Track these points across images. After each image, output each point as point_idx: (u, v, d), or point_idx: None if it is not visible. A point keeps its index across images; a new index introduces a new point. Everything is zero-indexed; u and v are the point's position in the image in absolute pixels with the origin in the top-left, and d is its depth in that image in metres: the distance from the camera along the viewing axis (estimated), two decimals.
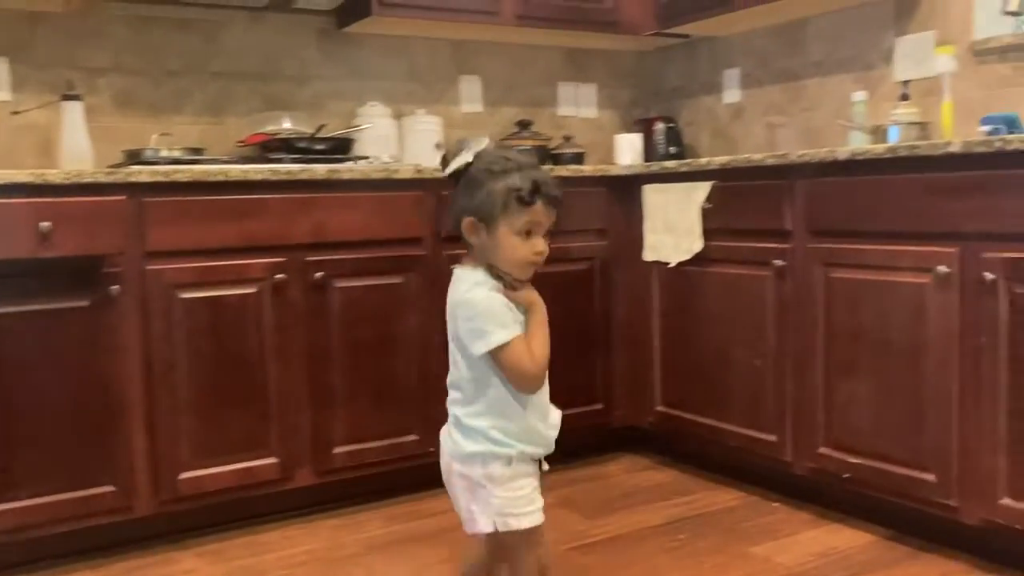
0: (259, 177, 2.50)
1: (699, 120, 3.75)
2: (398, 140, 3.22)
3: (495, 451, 1.52)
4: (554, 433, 1.60)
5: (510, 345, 1.49)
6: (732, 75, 3.58)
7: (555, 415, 1.61)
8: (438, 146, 3.22)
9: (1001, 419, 2.09)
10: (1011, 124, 2.40)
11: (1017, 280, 2.04)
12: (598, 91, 3.82)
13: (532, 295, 1.56)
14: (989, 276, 2.08)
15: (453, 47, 3.48)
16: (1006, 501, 2.09)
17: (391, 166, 2.75)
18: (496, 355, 1.49)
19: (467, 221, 1.51)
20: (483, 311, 1.49)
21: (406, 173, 2.70)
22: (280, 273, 2.53)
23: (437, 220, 2.75)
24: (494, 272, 1.52)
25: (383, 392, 2.70)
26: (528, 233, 1.49)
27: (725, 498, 2.70)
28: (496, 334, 1.48)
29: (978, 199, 2.10)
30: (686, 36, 3.64)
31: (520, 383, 1.51)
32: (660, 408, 3.06)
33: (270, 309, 2.53)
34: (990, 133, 2.34)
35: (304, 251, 2.57)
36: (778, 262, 2.60)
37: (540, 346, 1.53)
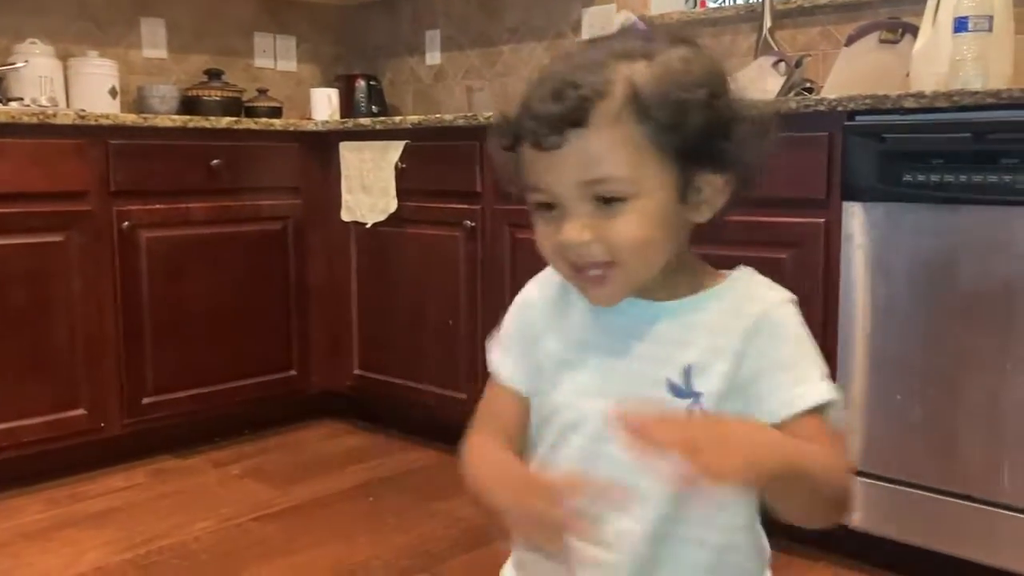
0: None
1: (402, 80, 3.71)
2: (64, 84, 2.89)
3: None
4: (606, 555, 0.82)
5: (488, 382, 0.94)
6: (434, 37, 3.56)
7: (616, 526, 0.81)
8: (113, 92, 2.94)
9: None
10: None
11: None
12: (298, 44, 3.66)
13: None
14: None
15: None
16: None
17: (48, 110, 2.46)
18: None
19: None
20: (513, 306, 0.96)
21: (66, 119, 2.42)
22: None
23: (107, 172, 2.50)
24: None
25: (41, 363, 2.42)
26: (545, 206, 0.82)
27: (418, 457, 2.71)
28: (491, 349, 0.95)
29: None
30: None
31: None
32: (358, 372, 3.00)
33: None
34: None
35: None
36: (469, 223, 2.62)
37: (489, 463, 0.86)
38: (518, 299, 0.95)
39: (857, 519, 1.93)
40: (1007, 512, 1.74)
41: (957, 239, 1.77)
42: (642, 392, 0.82)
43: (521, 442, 0.91)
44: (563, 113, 0.76)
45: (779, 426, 0.78)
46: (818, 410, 0.79)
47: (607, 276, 0.81)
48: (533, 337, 0.90)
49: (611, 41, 0.83)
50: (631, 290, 0.83)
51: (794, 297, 0.85)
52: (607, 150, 0.78)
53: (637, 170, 0.78)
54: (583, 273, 0.81)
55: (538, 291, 0.93)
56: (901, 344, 1.85)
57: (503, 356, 0.93)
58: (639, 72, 0.78)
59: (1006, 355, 1.72)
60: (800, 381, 0.80)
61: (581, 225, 0.79)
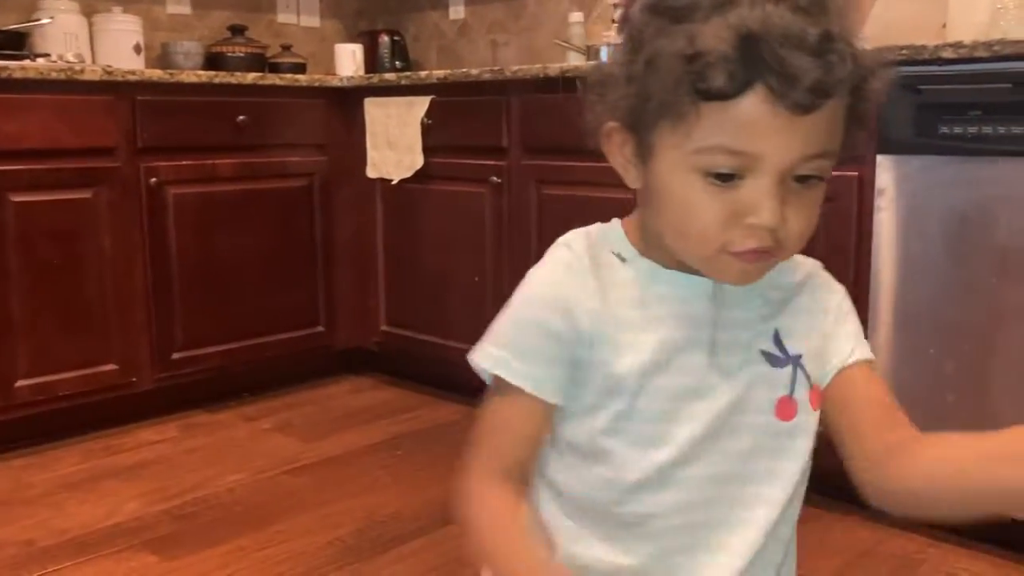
0: None
1: (426, 35, 3.67)
2: (89, 40, 2.89)
3: None
4: None
5: (491, 394, 0.79)
6: None
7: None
8: (137, 49, 2.93)
9: None
10: None
11: None
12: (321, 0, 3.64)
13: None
14: None
15: None
16: None
17: (75, 66, 2.45)
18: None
19: (607, 127, 0.74)
20: (515, 299, 0.79)
21: (93, 75, 2.42)
22: None
23: (134, 128, 2.50)
24: (655, 248, 0.77)
25: (73, 319, 2.45)
26: (728, 176, 0.68)
27: (446, 412, 2.73)
28: (489, 349, 0.78)
29: None
30: None
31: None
32: (385, 328, 3.02)
33: None
34: None
35: None
36: (495, 179, 2.61)
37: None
38: (540, 287, 0.78)
39: None
40: None
41: (993, 192, 1.74)
42: (741, 375, 0.76)
43: (534, 461, 0.81)
44: (827, 77, 0.64)
45: (851, 368, 0.78)
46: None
47: (768, 259, 0.72)
48: (579, 336, 0.75)
49: None
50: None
51: None
52: (839, 120, 0.69)
53: (837, 147, 0.70)
54: (746, 255, 0.70)
55: (570, 277, 0.77)
56: (934, 298, 1.84)
57: (526, 363, 0.76)
58: (847, 34, 0.66)
59: None
60: (860, 332, 0.81)
61: (781, 205, 0.68)
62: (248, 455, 2.40)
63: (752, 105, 0.65)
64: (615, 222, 0.81)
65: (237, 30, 3.21)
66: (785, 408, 0.77)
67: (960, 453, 0.69)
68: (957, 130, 1.76)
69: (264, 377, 2.90)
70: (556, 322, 0.75)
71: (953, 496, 0.70)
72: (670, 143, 0.69)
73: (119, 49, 2.90)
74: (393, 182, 2.86)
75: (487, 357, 0.77)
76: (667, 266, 0.76)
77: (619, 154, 0.74)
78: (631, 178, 0.75)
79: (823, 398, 0.79)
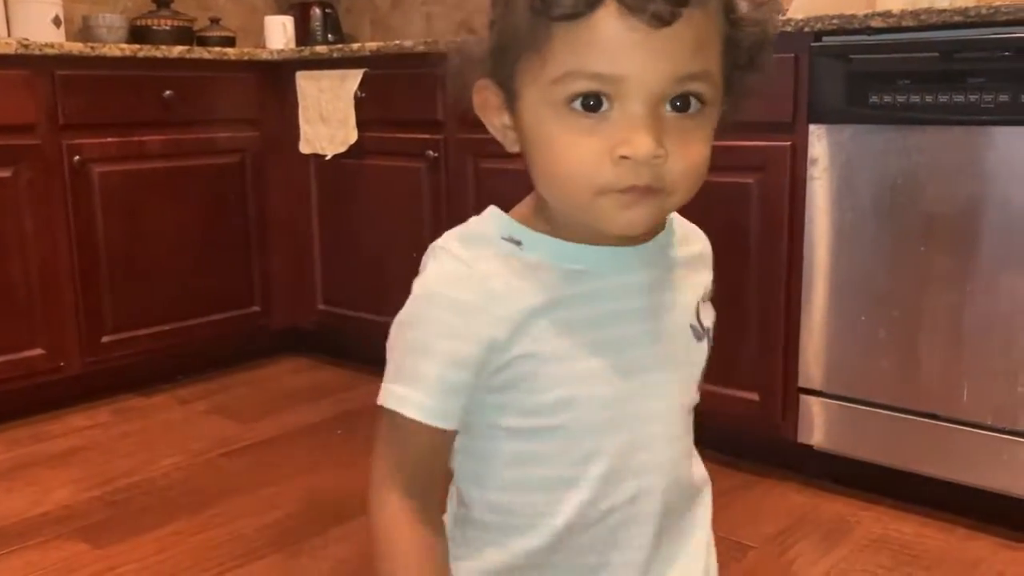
0: None
1: (358, 7, 3.60)
2: (4, 13, 2.76)
3: None
4: None
5: (386, 420, 0.73)
6: None
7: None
8: (57, 21, 2.82)
9: None
10: None
11: None
12: None
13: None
14: None
15: None
16: None
17: None
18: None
19: (477, 86, 0.70)
20: (403, 317, 0.73)
21: (7, 48, 2.32)
22: None
23: (55, 104, 2.41)
24: (545, 221, 0.71)
25: None
26: (593, 105, 0.63)
27: None
28: (391, 382, 0.72)
29: None
30: None
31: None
32: (322, 307, 2.97)
33: None
34: None
35: None
36: (431, 153, 2.57)
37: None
38: (421, 285, 0.72)
39: (821, 439, 1.96)
40: (967, 428, 1.78)
41: (922, 160, 1.77)
42: (680, 351, 0.75)
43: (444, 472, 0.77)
44: None
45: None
46: None
47: (654, 200, 0.65)
48: (489, 349, 0.69)
49: None
50: (656, 224, 0.70)
51: None
52: (710, 39, 0.63)
53: (719, 76, 0.65)
54: (627, 194, 0.63)
55: (461, 287, 0.69)
56: (865, 265, 1.87)
57: (430, 398, 0.70)
58: None
59: (967, 276, 1.75)
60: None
61: (657, 134, 0.62)
62: (183, 438, 2.34)
63: (604, 21, 0.60)
64: (492, 210, 0.74)
65: (163, 2, 3.09)
66: (695, 387, 0.79)
67: None
68: (887, 99, 1.78)
69: (199, 359, 2.84)
70: (455, 346, 0.69)
71: None
72: (530, 80, 0.64)
73: (37, 22, 2.78)
74: (327, 157, 2.81)
75: (390, 397, 0.72)
76: (578, 241, 0.70)
77: (494, 115, 0.70)
78: (510, 141, 0.70)
79: None
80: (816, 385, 1.96)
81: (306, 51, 2.89)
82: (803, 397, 1.98)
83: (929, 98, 1.74)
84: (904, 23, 1.77)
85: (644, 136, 0.61)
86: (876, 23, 1.80)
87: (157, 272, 2.67)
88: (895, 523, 1.84)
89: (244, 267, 2.90)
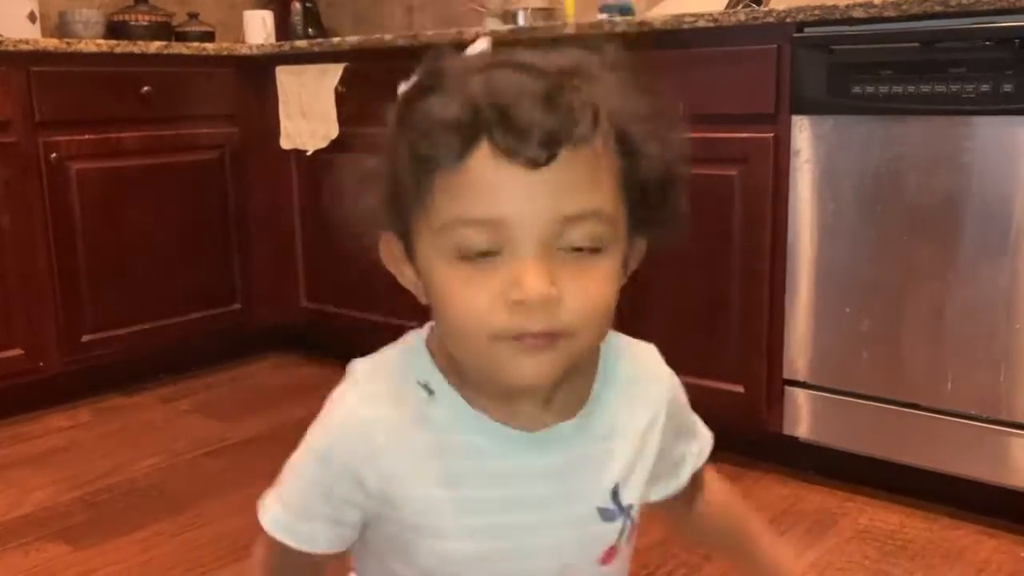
0: None
1: (339, 1, 3.58)
2: None
3: None
4: None
5: (261, 541, 0.76)
6: None
7: None
8: (32, 17, 2.78)
9: None
10: (625, 11, 2.52)
11: None
12: None
13: None
14: None
15: None
16: None
17: None
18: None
19: (382, 240, 0.70)
20: (304, 445, 0.75)
21: None
22: None
23: (31, 101, 2.38)
24: (455, 374, 0.69)
25: None
26: (482, 254, 0.61)
27: None
28: (273, 509, 0.75)
29: None
30: None
31: None
32: (305, 304, 2.95)
33: None
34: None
35: None
36: None
37: None
38: (325, 448, 0.71)
39: (806, 431, 1.96)
40: (951, 418, 1.78)
41: (904, 151, 1.77)
42: (574, 538, 0.71)
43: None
44: (560, 124, 0.58)
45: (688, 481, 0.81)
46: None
47: (554, 346, 0.61)
48: (375, 503, 0.69)
49: (558, 54, 0.63)
50: (565, 373, 0.64)
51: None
52: (599, 178, 0.61)
53: (617, 213, 0.63)
54: (524, 340, 0.60)
55: (373, 410, 0.69)
56: (849, 257, 1.87)
57: (309, 525, 0.72)
58: (613, 95, 0.62)
59: (950, 266, 1.75)
60: (698, 436, 0.81)
61: (550, 276, 0.59)
62: (165, 438, 2.32)
63: (480, 165, 0.59)
64: (418, 344, 0.71)
65: None
66: (608, 555, 0.73)
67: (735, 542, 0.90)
68: (869, 89, 1.78)
69: (182, 358, 2.81)
70: (344, 490, 0.69)
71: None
72: (422, 230, 0.63)
73: (12, 17, 2.75)
74: (308, 153, 2.79)
75: (268, 518, 0.74)
76: (479, 402, 0.67)
77: (399, 267, 0.68)
78: (420, 293, 0.67)
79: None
80: (801, 377, 1.96)
81: (286, 46, 2.86)
82: (788, 389, 1.98)
83: (911, 88, 1.74)
84: (885, 13, 1.76)
85: (534, 278, 0.59)
86: (858, 13, 1.79)
87: (137, 270, 2.64)
88: (880, 514, 1.84)
89: (226, 264, 2.87)
